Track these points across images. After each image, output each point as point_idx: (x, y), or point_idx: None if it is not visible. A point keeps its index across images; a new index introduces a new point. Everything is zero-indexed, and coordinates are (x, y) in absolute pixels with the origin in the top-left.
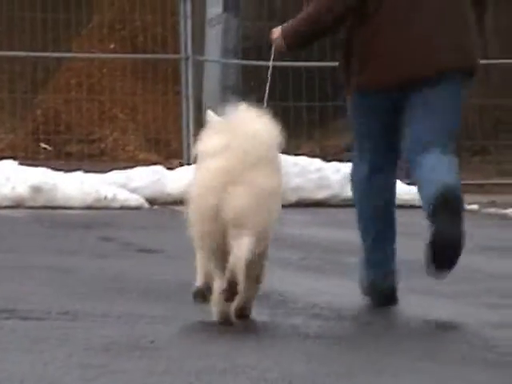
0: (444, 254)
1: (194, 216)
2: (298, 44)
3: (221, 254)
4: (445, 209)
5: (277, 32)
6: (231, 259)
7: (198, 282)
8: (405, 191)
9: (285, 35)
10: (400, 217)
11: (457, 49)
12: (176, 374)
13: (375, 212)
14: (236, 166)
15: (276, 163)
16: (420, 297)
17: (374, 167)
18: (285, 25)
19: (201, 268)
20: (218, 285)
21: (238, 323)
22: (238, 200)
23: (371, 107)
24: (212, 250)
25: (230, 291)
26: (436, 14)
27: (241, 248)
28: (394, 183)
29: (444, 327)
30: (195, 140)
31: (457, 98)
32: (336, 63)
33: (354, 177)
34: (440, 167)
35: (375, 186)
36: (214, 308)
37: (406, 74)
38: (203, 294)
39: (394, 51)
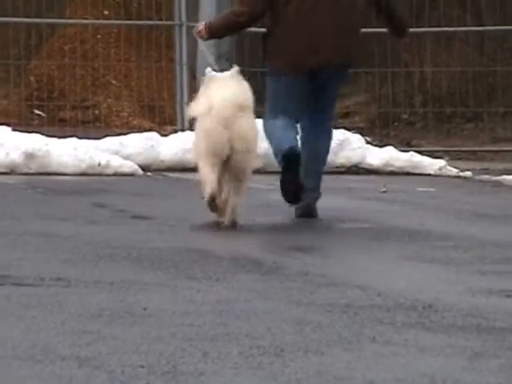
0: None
1: (207, 143)
2: (217, 37)
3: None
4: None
5: (201, 26)
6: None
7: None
8: (398, 158)
9: (208, 30)
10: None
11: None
12: (168, 341)
13: None
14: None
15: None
16: (412, 263)
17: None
18: (210, 21)
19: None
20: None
21: (226, 293)
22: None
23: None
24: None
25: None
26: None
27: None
28: None
29: (435, 294)
30: (188, 106)
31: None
32: None
33: None
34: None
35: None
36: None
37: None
38: (214, 199)
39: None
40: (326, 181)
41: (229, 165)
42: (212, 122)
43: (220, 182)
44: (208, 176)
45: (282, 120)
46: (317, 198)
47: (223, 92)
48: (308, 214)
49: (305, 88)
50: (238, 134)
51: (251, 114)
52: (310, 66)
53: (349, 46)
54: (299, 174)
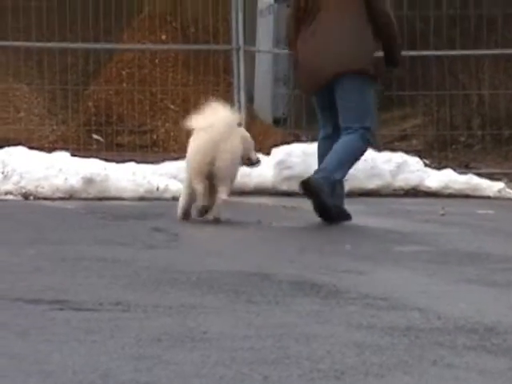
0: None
1: (193, 164)
2: None
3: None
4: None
5: None
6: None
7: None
8: (456, 180)
9: None
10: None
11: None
12: (229, 365)
13: None
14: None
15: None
16: (472, 286)
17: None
18: None
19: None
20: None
21: (286, 316)
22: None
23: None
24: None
25: (203, 211)
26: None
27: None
28: None
29: (496, 317)
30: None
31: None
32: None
33: None
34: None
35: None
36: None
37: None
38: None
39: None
40: (385, 203)
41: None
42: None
43: (206, 191)
44: (197, 189)
45: (321, 134)
46: (324, 180)
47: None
48: (306, 188)
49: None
50: (224, 148)
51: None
52: (311, 89)
53: (339, 54)
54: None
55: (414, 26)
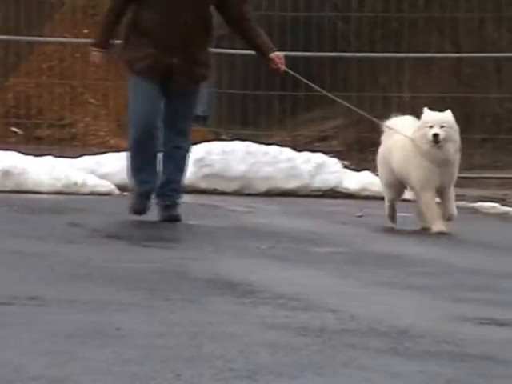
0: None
1: None
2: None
3: None
4: None
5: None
6: None
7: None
8: (375, 182)
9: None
10: (372, 208)
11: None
12: (141, 362)
13: None
14: None
15: None
16: (388, 289)
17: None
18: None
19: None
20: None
21: (200, 315)
22: None
23: None
24: None
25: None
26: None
27: None
28: None
29: (410, 320)
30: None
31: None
32: (306, 54)
33: None
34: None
35: None
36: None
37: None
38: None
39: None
40: (302, 204)
41: None
42: None
43: None
44: None
45: None
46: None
47: None
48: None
49: None
50: None
51: None
52: None
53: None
54: None
55: (336, 28)
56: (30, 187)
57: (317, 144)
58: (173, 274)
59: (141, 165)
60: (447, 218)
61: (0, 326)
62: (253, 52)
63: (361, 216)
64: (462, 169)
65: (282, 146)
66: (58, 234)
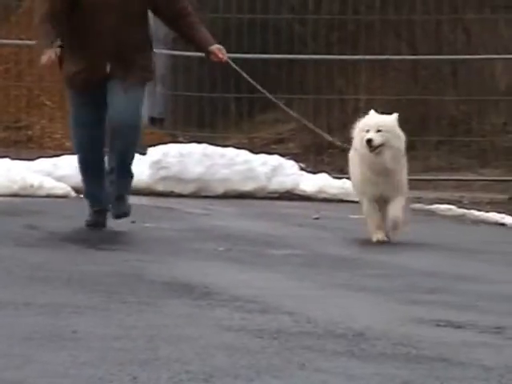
0: None
1: None
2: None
3: None
4: None
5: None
6: None
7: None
8: (331, 185)
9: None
10: (328, 211)
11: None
12: (98, 365)
13: None
14: None
15: None
16: (343, 291)
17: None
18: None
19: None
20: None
21: (157, 317)
22: None
23: None
24: None
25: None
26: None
27: None
28: None
29: (366, 322)
30: None
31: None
32: (263, 56)
33: None
34: None
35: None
36: None
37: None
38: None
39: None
40: (259, 206)
41: None
42: None
43: None
44: None
45: None
46: None
47: None
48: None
49: None
50: None
51: None
52: None
53: None
54: None
55: (293, 30)
56: None
57: (273, 146)
58: (129, 276)
59: (90, 181)
60: (391, 226)
61: None
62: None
63: (317, 218)
64: (418, 171)
65: (238, 148)
66: (14, 236)
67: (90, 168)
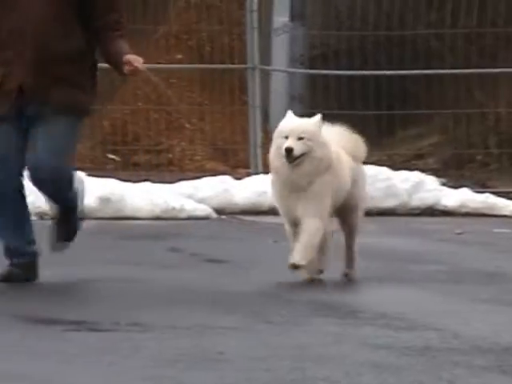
0: None
1: None
2: None
3: None
4: None
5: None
6: None
7: None
8: (473, 199)
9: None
10: (471, 225)
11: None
12: None
13: None
14: None
15: None
16: (489, 306)
17: None
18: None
19: None
20: None
21: (303, 337)
22: None
23: None
24: None
25: None
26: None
27: None
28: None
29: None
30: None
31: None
32: (406, 72)
33: None
34: None
35: None
36: None
37: None
38: None
39: None
40: (401, 223)
41: None
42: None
43: None
44: None
45: None
46: None
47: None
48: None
49: None
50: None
51: None
52: None
53: None
54: None
55: (430, 45)
56: (129, 213)
57: (413, 162)
58: (272, 296)
59: (6, 221)
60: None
61: (104, 353)
62: (347, 72)
63: (460, 233)
64: None
65: (379, 165)
66: (157, 259)
67: (6, 207)
